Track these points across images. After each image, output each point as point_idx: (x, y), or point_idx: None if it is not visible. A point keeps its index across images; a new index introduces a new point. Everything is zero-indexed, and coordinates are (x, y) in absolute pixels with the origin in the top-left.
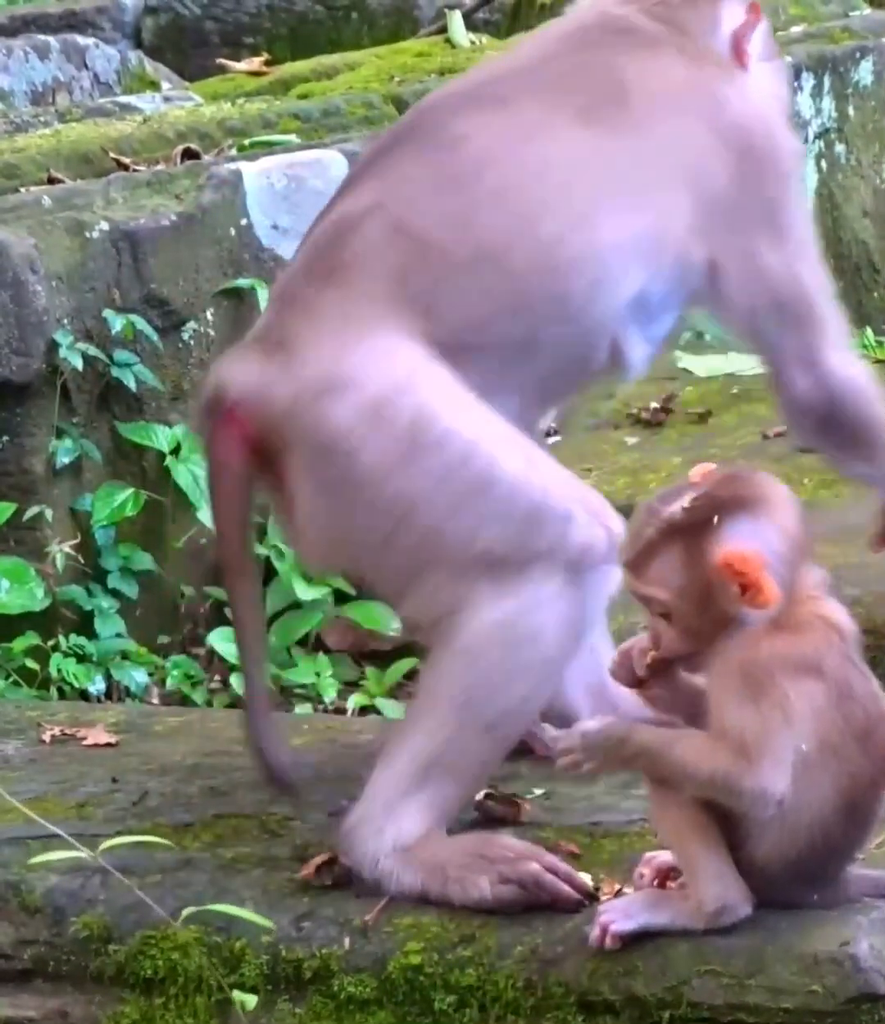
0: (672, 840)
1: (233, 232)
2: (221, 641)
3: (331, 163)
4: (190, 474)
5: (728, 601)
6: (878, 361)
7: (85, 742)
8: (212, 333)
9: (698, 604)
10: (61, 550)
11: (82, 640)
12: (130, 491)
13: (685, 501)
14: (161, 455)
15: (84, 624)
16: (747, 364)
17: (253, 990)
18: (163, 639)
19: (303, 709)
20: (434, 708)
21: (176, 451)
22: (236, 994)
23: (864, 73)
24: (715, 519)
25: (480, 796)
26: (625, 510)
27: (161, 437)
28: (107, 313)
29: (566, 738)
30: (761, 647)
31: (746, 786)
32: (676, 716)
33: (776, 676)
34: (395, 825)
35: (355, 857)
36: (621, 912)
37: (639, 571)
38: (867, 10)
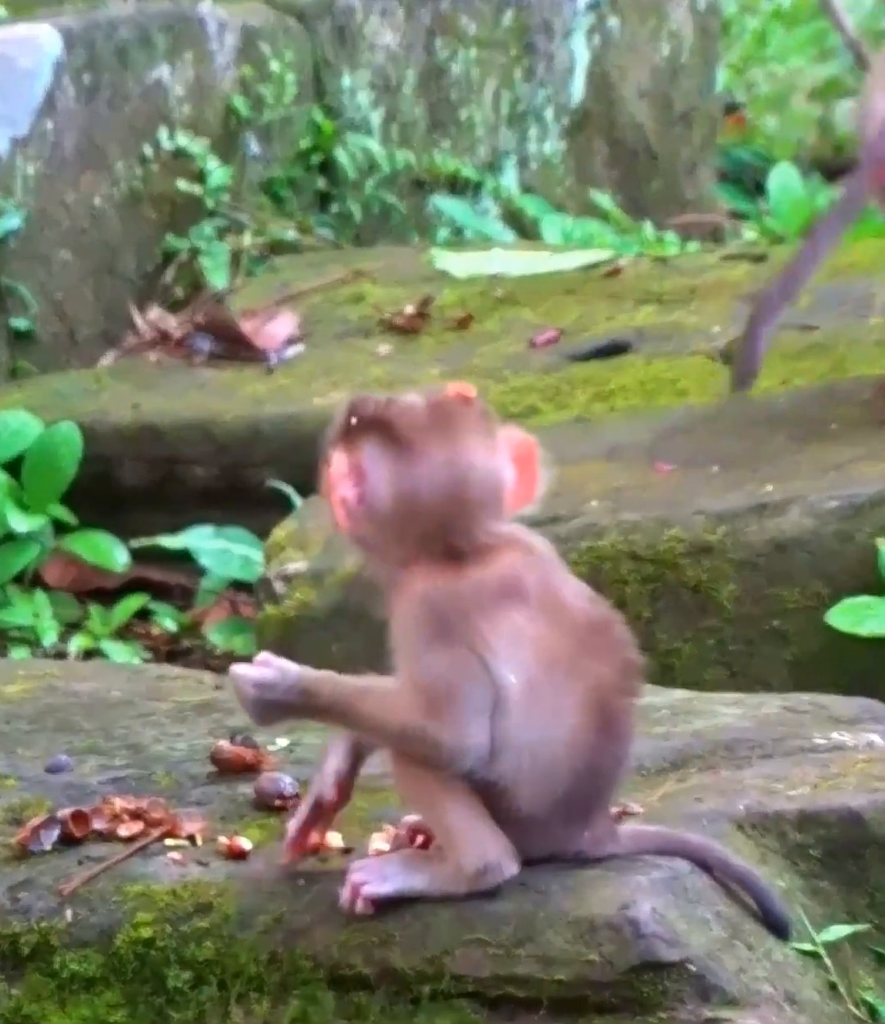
0: (417, 800)
1: None
2: None
3: (44, 40)
4: None
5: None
6: (658, 259)
7: None
8: None
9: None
10: None
11: None
12: None
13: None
14: None
15: None
16: (511, 264)
17: None
18: None
19: (20, 653)
20: None
21: None
22: None
23: None
24: (355, 431)
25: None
26: None
27: None
28: None
29: (241, 681)
30: (446, 580)
31: (444, 739)
32: None
33: (469, 614)
34: None
35: None
36: (375, 873)
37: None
38: None
